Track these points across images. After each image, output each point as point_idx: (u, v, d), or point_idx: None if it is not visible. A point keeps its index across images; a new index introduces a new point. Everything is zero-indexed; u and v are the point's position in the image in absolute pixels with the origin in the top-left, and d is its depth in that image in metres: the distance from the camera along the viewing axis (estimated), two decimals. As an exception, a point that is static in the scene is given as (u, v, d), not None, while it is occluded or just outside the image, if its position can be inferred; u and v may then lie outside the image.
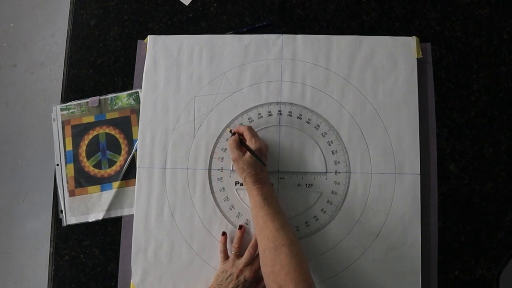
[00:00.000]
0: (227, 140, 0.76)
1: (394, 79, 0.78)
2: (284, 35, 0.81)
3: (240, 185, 0.76)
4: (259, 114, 0.78)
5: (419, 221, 0.74)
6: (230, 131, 0.75)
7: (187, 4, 0.85)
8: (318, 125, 0.76)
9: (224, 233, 0.74)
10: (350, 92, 0.78)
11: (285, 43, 0.80)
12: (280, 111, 0.78)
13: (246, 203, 0.76)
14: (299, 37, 0.80)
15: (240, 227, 0.74)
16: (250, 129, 0.72)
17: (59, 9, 1.70)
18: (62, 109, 0.82)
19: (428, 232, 0.74)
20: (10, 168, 1.61)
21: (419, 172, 0.75)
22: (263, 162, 0.70)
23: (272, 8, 0.84)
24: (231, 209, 0.76)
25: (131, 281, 0.75)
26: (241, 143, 0.71)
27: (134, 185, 0.78)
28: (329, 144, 0.76)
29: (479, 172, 0.77)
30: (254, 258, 0.71)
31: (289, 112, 0.78)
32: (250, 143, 0.70)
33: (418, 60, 0.79)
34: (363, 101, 0.78)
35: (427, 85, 0.79)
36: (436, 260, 0.74)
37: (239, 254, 0.72)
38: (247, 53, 0.80)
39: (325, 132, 0.76)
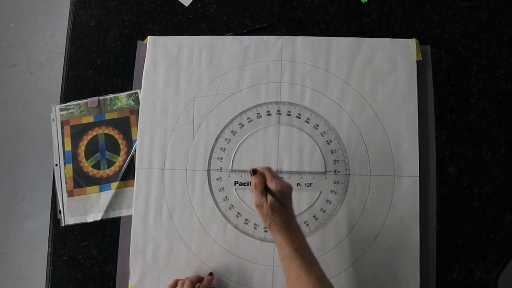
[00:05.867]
0: (226, 140, 0.76)
1: (393, 81, 0.78)
2: (283, 36, 0.81)
3: (240, 184, 0.76)
4: (258, 113, 0.78)
5: (418, 223, 0.73)
6: (251, 171, 0.67)
7: (187, 5, 0.85)
8: (317, 125, 0.76)
9: (211, 273, 0.73)
10: (350, 94, 0.78)
11: (284, 44, 0.80)
12: (279, 110, 0.78)
13: (246, 203, 0.75)
14: (299, 38, 0.80)
15: (210, 273, 0.73)
16: (269, 170, 0.66)
17: (59, 9, 1.70)
18: (61, 109, 0.82)
19: (426, 235, 0.74)
20: (9, 168, 1.61)
21: (418, 175, 0.75)
22: (282, 202, 0.63)
23: (272, 10, 0.84)
24: (230, 209, 0.76)
25: (129, 282, 0.75)
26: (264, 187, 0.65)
27: (133, 185, 0.78)
28: (328, 144, 0.76)
29: (478, 175, 0.77)
30: None
31: (288, 111, 0.78)
32: (271, 184, 0.64)
33: (418, 62, 0.79)
34: (363, 103, 0.78)
35: (427, 87, 0.79)
36: (434, 262, 0.74)
37: None
38: (246, 55, 0.80)
39: (324, 132, 0.76)
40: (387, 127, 0.77)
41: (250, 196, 0.76)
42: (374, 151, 0.76)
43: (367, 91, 0.78)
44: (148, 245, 0.75)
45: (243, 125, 0.78)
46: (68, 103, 0.82)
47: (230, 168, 0.77)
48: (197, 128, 0.78)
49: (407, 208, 0.74)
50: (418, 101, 0.77)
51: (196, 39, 0.81)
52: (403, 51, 0.79)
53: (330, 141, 0.76)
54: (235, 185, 0.76)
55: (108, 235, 0.78)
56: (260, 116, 0.78)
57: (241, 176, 0.76)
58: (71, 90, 0.83)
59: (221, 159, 0.77)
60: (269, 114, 0.78)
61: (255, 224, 0.75)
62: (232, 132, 0.77)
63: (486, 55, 0.81)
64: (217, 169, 0.77)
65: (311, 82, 0.79)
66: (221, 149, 0.77)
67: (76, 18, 0.86)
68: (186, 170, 0.77)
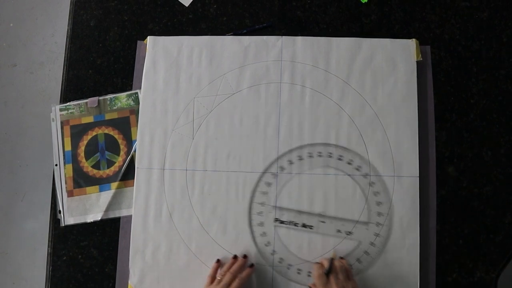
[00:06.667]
0: (272, 174, 0.75)
1: (393, 81, 0.78)
2: (283, 37, 0.81)
3: (280, 222, 0.75)
4: (309, 153, 0.76)
5: (418, 224, 0.73)
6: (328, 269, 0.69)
7: (187, 5, 0.85)
8: (367, 174, 0.75)
9: (218, 260, 0.74)
10: (350, 94, 0.78)
11: (284, 44, 0.80)
12: (330, 153, 0.76)
13: (284, 242, 0.75)
14: (299, 39, 0.80)
15: (245, 256, 0.73)
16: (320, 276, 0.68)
17: (59, 9, 1.70)
18: (61, 109, 0.82)
19: (426, 235, 0.74)
20: (9, 168, 1.61)
21: (418, 175, 0.75)
22: None
23: (272, 10, 0.84)
24: (266, 246, 0.75)
25: (129, 282, 0.75)
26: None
27: (133, 185, 0.78)
28: (375, 195, 0.75)
29: (478, 175, 0.77)
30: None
31: (340, 156, 0.75)
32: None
33: (418, 62, 0.79)
34: (363, 103, 0.78)
35: (427, 87, 0.79)
36: (434, 263, 0.74)
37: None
38: (246, 55, 0.80)
39: (373, 182, 0.75)
40: (387, 127, 0.77)
41: (293, 235, 0.75)
42: (374, 151, 0.76)
43: (367, 91, 0.78)
44: (148, 245, 0.75)
45: (292, 163, 0.76)
46: (68, 103, 0.82)
47: (274, 204, 0.75)
48: (197, 128, 0.78)
49: (407, 209, 0.74)
50: (418, 101, 0.77)
51: (196, 39, 0.81)
52: (403, 52, 0.79)
53: (378, 192, 0.75)
54: (275, 222, 0.75)
55: (108, 235, 0.78)
56: (311, 156, 0.76)
57: (283, 214, 0.75)
58: (71, 90, 0.83)
59: (266, 193, 0.76)
60: (320, 156, 0.76)
61: (288, 265, 0.74)
62: (280, 167, 0.76)
63: (486, 55, 0.81)
64: (260, 203, 0.75)
65: (311, 82, 0.79)
66: (266, 183, 0.76)
67: (76, 18, 0.86)
68: (186, 170, 0.77)
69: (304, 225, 0.75)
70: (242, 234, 0.75)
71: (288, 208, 0.75)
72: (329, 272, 0.68)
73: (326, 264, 0.70)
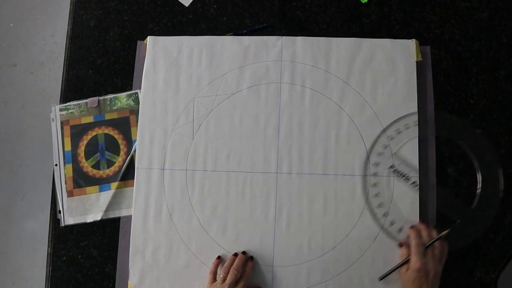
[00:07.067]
0: (396, 131, 0.76)
1: (393, 81, 0.78)
2: (283, 37, 0.81)
3: (394, 171, 0.75)
4: (397, 129, 0.77)
5: (418, 223, 0.73)
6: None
7: (187, 5, 0.85)
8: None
9: (219, 257, 0.74)
10: (350, 94, 0.78)
11: (284, 45, 0.80)
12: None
13: (394, 191, 0.75)
14: (299, 39, 0.80)
15: (244, 252, 0.73)
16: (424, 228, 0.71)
17: (59, 9, 1.70)
18: (61, 109, 0.82)
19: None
20: (9, 168, 1.61)
21: (418, 175, 0.75)
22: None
23: (272, 10, 0.84)
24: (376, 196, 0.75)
25: (129, 282, 0.75)
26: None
27: (133, 186, 0.78)
28: None
29: (478, 175, 0.77)
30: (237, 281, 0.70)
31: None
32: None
33: (418, 63, 0.79)
34: (363, 103, 0.78)
35: (427, 88, 0.79)
36: (434, 263, 0.74)
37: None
38: (246, 55, 0.80)
39: None
40: (387, 127, 0.77)
41: (400, 188, 0.75)
42: (374, 151, 0.76)
43: (367, 91, 0.78)
44: (147, 245, 0.75)
45: (408, 127, 0.76)
46: (68, 103, 0.82)
47: (394, 152, 0.75)
48: (197, 128, 0.79)
49: (407, 208, 0.74)
50: (418, 102, 0.77)
51: (196, 39, 0.81)
52: (403, 52, 0.79)
53: None
54: (389, 169, 0.75)
55: (107, 235, 0.78)
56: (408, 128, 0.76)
57: (400, 165, 0.75)
58: (71, 90, 0.83)
59: (385, 147, 0.75)
60: (408, 127, 0.77)
61: (386, 213, 0.74)
62: (396, 130, 0.76)
63: (486, 55, 0.81)
64: (378, 153, 0.75)
65: (311, 83, 0.79)
66: (388, 137, 0.76)
67: (76, 18, 0.86)
68: (186, 170, 0.77)
69: (414, 183, 0.75)
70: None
71: (404, 159, 0.75)
72: (428, 246, 0.69)
73: (424, 233, 0.70)
